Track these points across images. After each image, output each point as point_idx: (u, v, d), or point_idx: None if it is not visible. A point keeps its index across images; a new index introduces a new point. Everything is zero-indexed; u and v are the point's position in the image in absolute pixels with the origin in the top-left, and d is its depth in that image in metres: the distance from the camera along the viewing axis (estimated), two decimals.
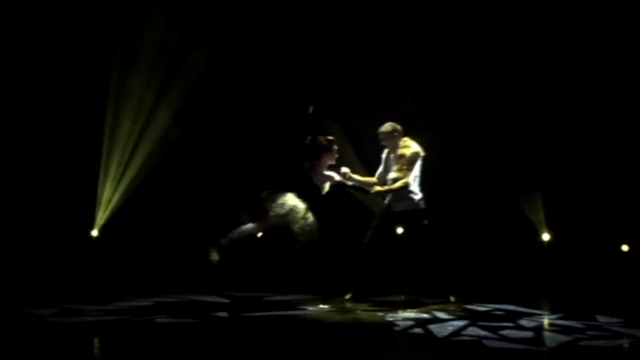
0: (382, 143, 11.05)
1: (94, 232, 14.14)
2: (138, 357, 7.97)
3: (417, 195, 10.86)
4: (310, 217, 10.90)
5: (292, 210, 10.83)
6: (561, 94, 14.04)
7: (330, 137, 11.15)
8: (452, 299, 10.89)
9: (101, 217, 14.15)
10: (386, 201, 11.04)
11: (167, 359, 7.90)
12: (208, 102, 14.59)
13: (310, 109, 11.43)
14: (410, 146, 10.87)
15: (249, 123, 14.60)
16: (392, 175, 10.92)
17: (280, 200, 10.89)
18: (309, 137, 11.16)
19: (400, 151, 10.89)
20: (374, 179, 11.18)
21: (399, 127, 10.99)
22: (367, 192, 11.11)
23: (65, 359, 7.89)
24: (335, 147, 11.14)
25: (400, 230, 11.51)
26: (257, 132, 14.52)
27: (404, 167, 10.80)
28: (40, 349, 8.18)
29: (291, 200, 10.89)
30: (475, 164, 14.33)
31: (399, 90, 14.38)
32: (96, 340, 8.82)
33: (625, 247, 13.81)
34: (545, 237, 14.08)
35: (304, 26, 14.63)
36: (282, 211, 10.85)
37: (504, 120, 14.15)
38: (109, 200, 14.14)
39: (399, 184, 10.79)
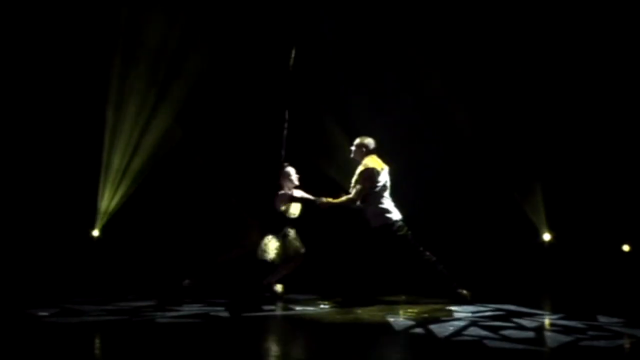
0: (352, 155, 11.23)
1: (95, 232, 14.14)
2: (139, 357, 7.96)
3: (386, 211, 10.94)
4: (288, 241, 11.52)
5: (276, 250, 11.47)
6: (562, 94, 14.05)
7: (285, 164, 11.71)
8: (464, 292, 10.89)
9: (102, 217, 14.15)
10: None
11: (168, 359, 7.90)
12: (208, 102, 14.58)
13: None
14: (366, 164, 10.97)
15: (249, 124, 14.59)
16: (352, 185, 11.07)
17: (264, 246, 11.46)
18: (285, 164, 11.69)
19: (360, 167, 11.00)
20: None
21: (366, 141, 11.13)
22: (313, 202, 11.33)
23: (65, 359, 7.89)
24: (290, 171, 11.64)
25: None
26: (257, 133, 14.51)
27: (356, 182, 10.93)
28: (40, 349, 8.18)
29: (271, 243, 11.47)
30: (476, 164, 14.33)
31: (399, 90, 14.38)
32: (97, 341, 8.82)
33: (626, 247, 13.81)
34: (546, 237, 14.08)
35: (303, 26, 14.61)
36: (268, 256, 11.43)
37: (504, 120, 14.15)
38: (110, 201, 14.14)
39: (342, 199, 11.01)
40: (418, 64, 14.29)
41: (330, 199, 11.09)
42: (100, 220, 14.14)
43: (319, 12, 14.66)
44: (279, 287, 11.64)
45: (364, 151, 11.09)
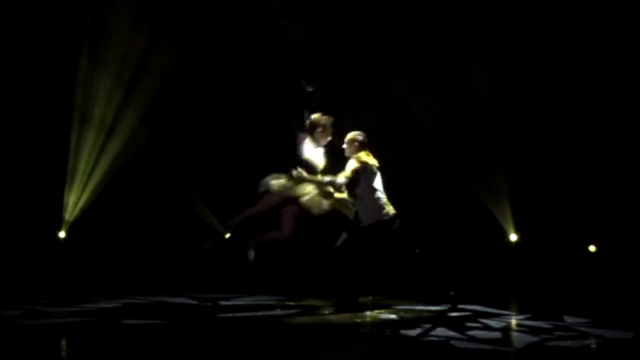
0: (344, 148, 11.06)
1: (61, 234, 14.04)
2: (105, 359, 7.92)
3: (382, 208, 10.80)
4: (308, 188, 11.10)
5: (288, 185, 11.11)
6: (529, 92, 14.09)
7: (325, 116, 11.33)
8: (453, 293, 10.85)
9: (68, 218, 14.05)
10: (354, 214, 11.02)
11: None
12: (174, 102, 14.51)
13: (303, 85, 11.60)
14: (359, 157, 10.85)
15: (217, 123, 14.56)
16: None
17: (274, 179, 11.11)
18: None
19: (352, 161, 10.89)
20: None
21: (359, 136, 10.98)
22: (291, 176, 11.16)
23: None
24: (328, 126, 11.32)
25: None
26: (225, 131, 14.49)
27: (348, 175, 10.79)
28: (5, 351, 8.10)
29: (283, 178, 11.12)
30: (442, 166, 14.35)
31: (367, 89, 14.38)
32: (63, 342, 8.76)
33: (592, 248, 13.89)
34: (513, 237, 14.12)
35: (271, 24, 14.59)
36: (278, 186, 11.08)
37: (469, 118, 14.18)
38: (76, 201, 14.05)
39: (326, 179, 10.95)
40: (387, 64, 14.28)
41: (310, 176, 11.01)
42: (67, 222, 14.05)
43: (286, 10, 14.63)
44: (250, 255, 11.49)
45: (357, 146, 10.91)
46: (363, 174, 10.76)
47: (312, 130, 11.25)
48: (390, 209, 10.79)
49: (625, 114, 13.81)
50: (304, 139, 11.23)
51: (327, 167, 11.28)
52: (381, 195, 10.82)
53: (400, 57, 14.23)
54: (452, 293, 10.81)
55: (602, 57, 13.78)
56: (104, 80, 14.12)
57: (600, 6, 13.75)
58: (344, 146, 11.02)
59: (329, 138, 11.30)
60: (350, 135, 11.01)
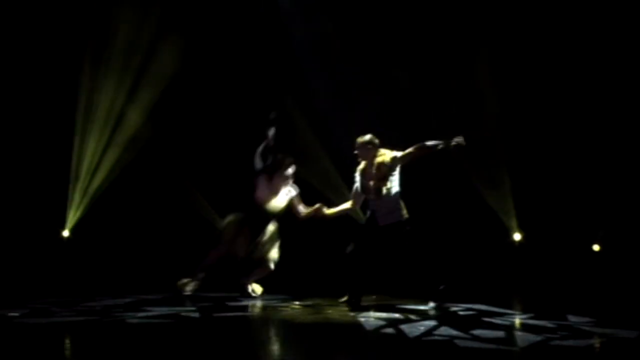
0: (356, 152, 10.86)
1: (65, 233, 14.06)
2: (109, 358, 7.92)
3: (402, 208, 10.72)
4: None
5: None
6: (532, 91, 14.08)
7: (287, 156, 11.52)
8: (431, 304, 10.71)
9: (72, 217, 14.07)
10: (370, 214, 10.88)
11: None
12: (179, 101, 14.53)
13: (273, 115, 11.58)
14: (385, 153, 10.71)
15: (220, 122, 14.57)
16: (372, 183, 10.71)
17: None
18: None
19: (377, 160, 10.72)
20: (348, 203, 11.16)
21: (376, 140, 10.80)
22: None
23: None
24: (290, 167, 11.54)
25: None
26: (229, 131, 14.49)
27: (388, 174, 10.64)
28: (9, 350, 8.11)
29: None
30: (445, 164, 14.32)
31: (368, 86, 14.37)
32: (66, 341, 8.77)
33: (596, 247, 13.88)
34: (517, 237, 14.12)
35: (276, 24, 14.61)
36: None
37: (473, 116, 14.15)
38: (80, 201, 14.06)
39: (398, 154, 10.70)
40: (387, 60, 14.28)
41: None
42: (70, 221, 14.06)
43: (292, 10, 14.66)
44: (256, 288, 11.66)
45: (371, 147, 10.74)
46: (395, 169, 10.71)
47: (274, 169, 11.52)
48: (405, 211, 10.76)
49: (630, 111, 13.80)
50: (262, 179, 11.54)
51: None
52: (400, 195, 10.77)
53: (402, 56, 14.23)
54: (441, 287, 10.71)
55: (606, 55, 13.77)
56: (108, 79, 14.13)
57: (601, 6, 13.75)
58: (357, 151, 10.83)
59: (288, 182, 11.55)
60: (364, 138, 10.81)
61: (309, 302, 11.09)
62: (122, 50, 14.17)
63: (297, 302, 11.10)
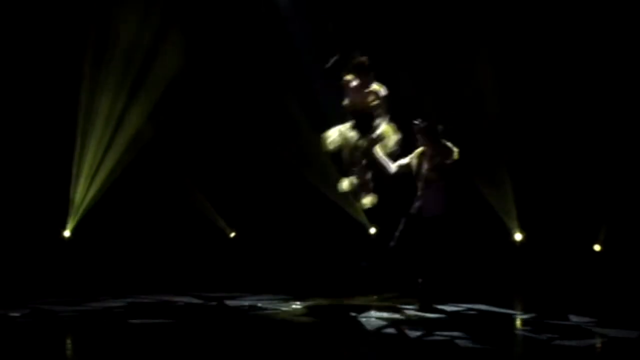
0: (418, 136, 10.80)
1: (66, 233, 14.06)
2: (111, 358, 7.93)
3: (448, 199, 10.66)
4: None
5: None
6: (532, 92, 14.06)
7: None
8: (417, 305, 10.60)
9: (73, 218, 14.07)
10: (417, 205, 10.77)
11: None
12: (181, 101, 14.52)
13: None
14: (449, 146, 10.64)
15: (222, 122, 14.57)
16: (426, 170, 10.64)
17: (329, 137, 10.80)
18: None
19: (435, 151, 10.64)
20: (393, 165, 10.91)
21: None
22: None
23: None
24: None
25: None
26: (230, 130, 14.50)
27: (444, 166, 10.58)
28: (12, 350, 8.12)
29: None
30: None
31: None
32: (68, 341, 8.78)
33: (597, 247, 13.87)
34: (518, 237, 14.11)
35: (277, 24, 14.61)
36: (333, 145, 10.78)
37: (475, 117, 14.15)
38: (82, 201, 14.06)
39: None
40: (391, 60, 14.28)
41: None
42: (72, 221, 14.06)
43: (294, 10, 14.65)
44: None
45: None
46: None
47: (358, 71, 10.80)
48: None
49: (630, 111, 13.79)
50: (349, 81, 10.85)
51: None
52: None
53: (403, 55, 14.22)
54: (419, 280, 10.61)
55: (606, 56, 13.76)
56: (110, 79, 14.13)
57: (601, 6, 13.74)
58: (418, 135, 10.75)
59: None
60: (422, 123, 10.77)
61: (310, 302, 11.08)
62: (123, 50, 14.16)
63: (298, 302, 11.09)
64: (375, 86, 10.78)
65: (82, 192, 14.03)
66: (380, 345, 8.64)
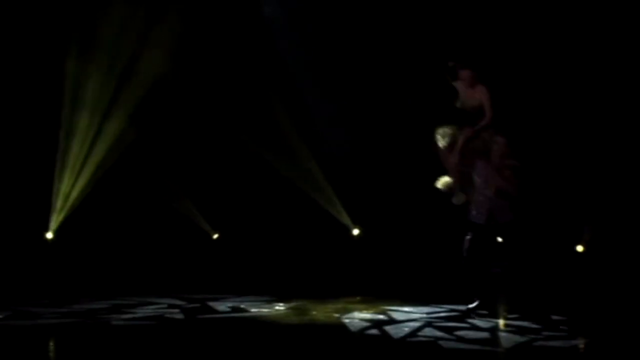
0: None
1: (49, 235, 14.01)
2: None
3: (513, 207, 10.46)
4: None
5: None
6: (515, 92, 14.07)
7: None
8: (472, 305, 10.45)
9: (56, 219, 14.02)
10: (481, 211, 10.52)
11: None
12: (164, 102, 14.49)
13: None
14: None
15: (206, 123, 14.55)
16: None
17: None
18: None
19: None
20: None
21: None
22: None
23: None
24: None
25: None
26: (214, 131, 14.48)
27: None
28: None
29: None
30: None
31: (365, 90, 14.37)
32: (51, 344, 8.75)
33: (580, 248, 13.90)
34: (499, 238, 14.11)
35: (261, 25, 14.60)
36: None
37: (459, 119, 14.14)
38: (64, 203, 14.01)
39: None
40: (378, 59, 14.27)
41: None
42: (54, 223, 14.01)
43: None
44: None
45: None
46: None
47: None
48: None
49: (614, 112, 13.82)
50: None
51: None
52: None
53: (393, 56, 14.23)
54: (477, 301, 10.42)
55: (604, 55, 13.77)
56: (93, 80, 14.08)
57: (602, 7, 13.77)
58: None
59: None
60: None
61: (293, 304, 11.08)
62: (108, 50, 14.11)
63: (281, 304, 11.09)
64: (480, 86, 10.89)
65: (65, 193, 13.98)
66: (364, 346, 8.65)
